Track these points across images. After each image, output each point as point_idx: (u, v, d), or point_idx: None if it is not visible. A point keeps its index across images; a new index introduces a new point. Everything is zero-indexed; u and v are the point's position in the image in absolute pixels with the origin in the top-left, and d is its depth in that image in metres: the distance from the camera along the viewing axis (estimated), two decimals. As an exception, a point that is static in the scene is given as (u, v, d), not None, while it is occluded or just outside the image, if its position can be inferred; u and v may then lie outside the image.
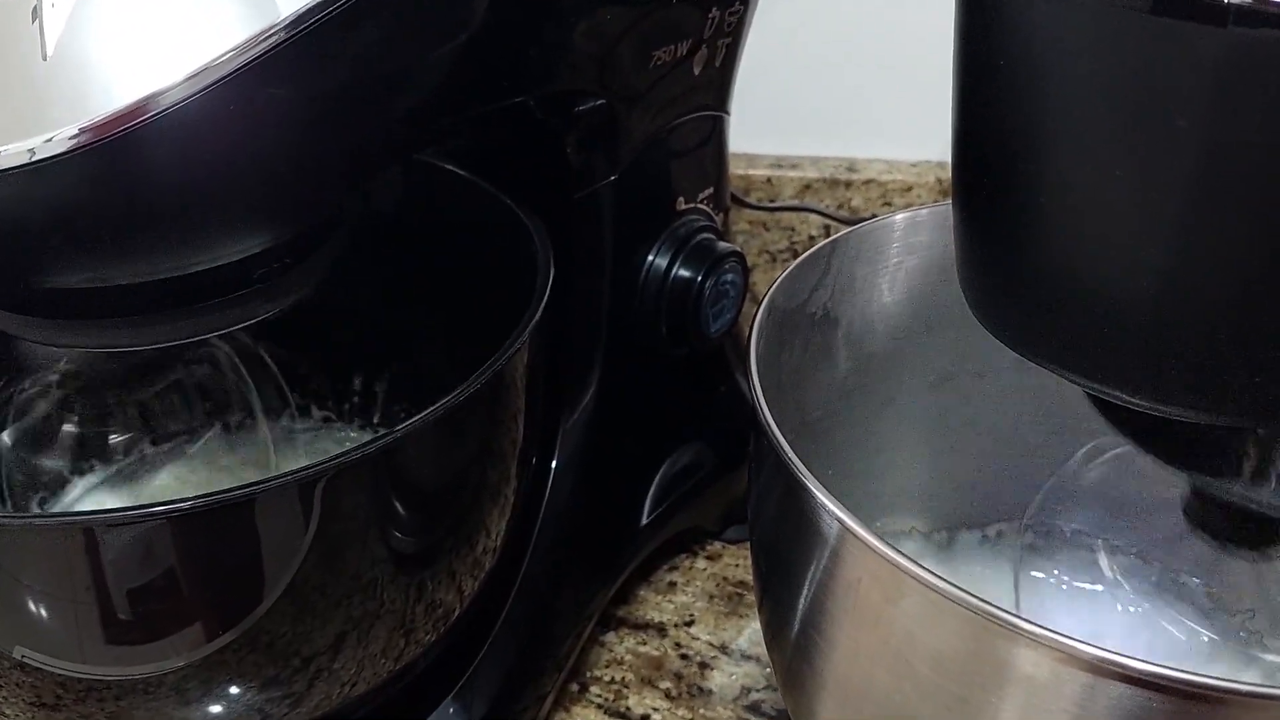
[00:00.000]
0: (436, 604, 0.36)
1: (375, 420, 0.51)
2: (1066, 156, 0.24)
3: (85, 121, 0.27)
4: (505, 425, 0.35)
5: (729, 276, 0.48)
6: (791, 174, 0.70)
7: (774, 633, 0.35)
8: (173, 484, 0.48)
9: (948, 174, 0.70)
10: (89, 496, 0.47)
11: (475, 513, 0.36)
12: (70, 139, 0.27)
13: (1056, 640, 0.23)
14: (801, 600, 0.31)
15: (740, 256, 0.48)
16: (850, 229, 0.38)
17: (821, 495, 0.28)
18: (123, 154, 0.28)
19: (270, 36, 0.28)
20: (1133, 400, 0.25)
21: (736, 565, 0.56)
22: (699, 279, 0.46)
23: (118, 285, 0.30)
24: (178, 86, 0.27)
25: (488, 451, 0.35)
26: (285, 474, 0.30)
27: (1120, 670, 0.23)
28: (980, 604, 0.24)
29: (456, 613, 0.37)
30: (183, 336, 0.32)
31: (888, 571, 0.26)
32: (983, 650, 0.25)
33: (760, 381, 0.32)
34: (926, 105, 0.71)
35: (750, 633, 0.52)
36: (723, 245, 0.48)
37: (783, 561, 0.33)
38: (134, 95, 0.27)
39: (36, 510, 0.46)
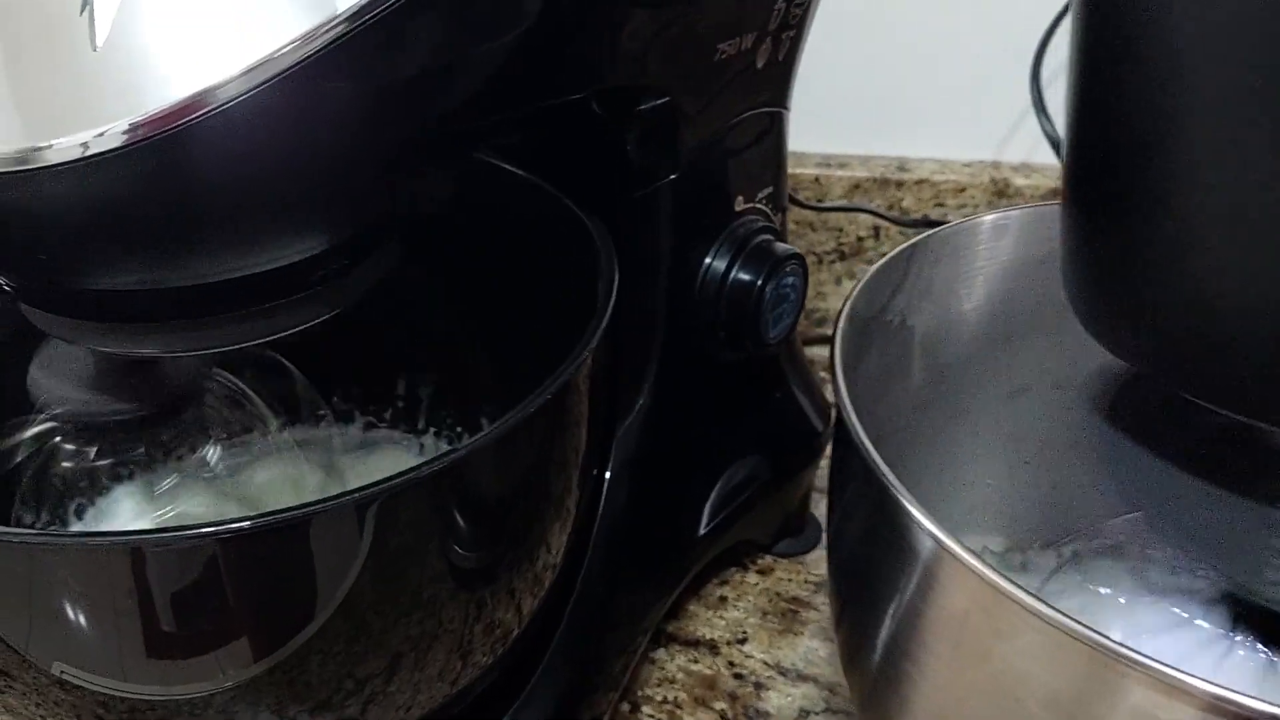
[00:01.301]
0: (495, 624, 0.34)
1: (419, 426, 0.50)
2: (1207, 152, 0.22)
3: (139, 116, 0.25)
4: (570, 435, 0.34)
5: (790, 280, 0.46)
6: (840, 173, 0.68)
7: (854, 655, 0.33)
8: (209, 496, 0.46)
9: (1002, 174, 0.69)
10: (127, 500, 0.46)
11: (537, 527, 0.34)
12: (123, 133, 0.25)
13: (1211, 692, 0.21)
14: (889, 625, 0.29)
15: (800, 259, 0.46)
16: (930, 232, 0.36)
17: (924, 519, 0.26)
18: (178, 150, 0.26)
19: (332, 29, 0.26)
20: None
21: (789, 580, 0.54)
22: (759, 282, 0.44)
23: (171, 288, 0.28)
24: (236, 80, 0.26)
25: (552, 462, 0.33)
26: (342, 495, 0.28)
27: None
28: (1116, 647, 0.22)
29: (515, 633, 0.36)
30: (238, 341, 0.30)
31: (1002, 605, 0.24)
32: (1108, 691, 0.23)
33: (848, 393, 0.30)
34: (981, 103, 0.70)
35: (805, 651, 0.50)
36: (783, 247, 0.46)
37: (868, 583, 0.31)
38: (190, 89, 0.25)
39: (74, 518, 0.44)
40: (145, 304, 0.29)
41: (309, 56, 0.26)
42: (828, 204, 0.66)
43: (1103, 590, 0.44)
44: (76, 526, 0.45)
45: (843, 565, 0.34)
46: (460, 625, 0.34)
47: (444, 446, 0.49)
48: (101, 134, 0.26)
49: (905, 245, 0.36)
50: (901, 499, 0.27)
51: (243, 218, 0.28)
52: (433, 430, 0.50)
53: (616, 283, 0.35)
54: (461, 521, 0.31)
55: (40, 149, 0.26)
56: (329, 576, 0.30)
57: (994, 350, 0.40)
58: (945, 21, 0.66)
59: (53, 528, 0.44)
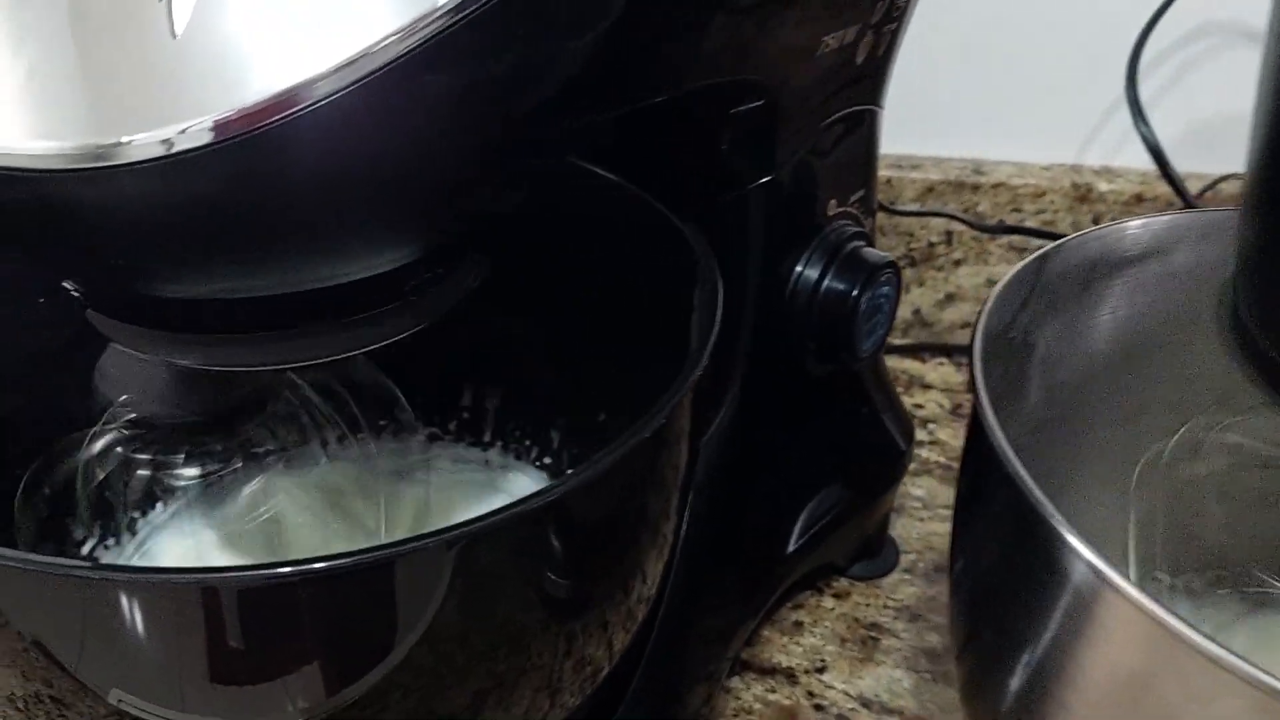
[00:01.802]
0: (585, 660, 0.32)
1: (485, 439, 0.47)
2: None
3: (226, 112, 0.23)
4: (673, 457, 0.31)
5: (885, 289, 0.43)
6: (913, 175, 0.65)
7: (980, 692, 0.31)
8: (285, 503, 0.44)
9: (1084, 179, 0.66)
10: (180, 518, 0.44)
11: (634, 556, 0.31)
12: (208, 131, 0.23)
13: None
14: (1032, 665, 0.27)
15: (895, 267, 0.43)
16: (1062, 240, 0.34)
17: (1097, 560, 0.23)
18: (267, 150, 0.23)
19: (432, 22, 0.24)
20: None
21: (867, 605, 0.51)
22: (854, 292, 0.42)
23: (254, 297, 0.26)
24: (332, 75, 0.23)
25: (652, 487, 0.31)
26: (431, 535, 0.26)
27: None
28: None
29: (605, 671, 0.33)
30: (323, 355, 0.27)
31: (1199, 666, 0.21)
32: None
33: (992, 410, 0.27)
34: (1060, 104, 0.67)
35: (889, 682, 0.47)
36: (877, 254, 0.43)
37: (1008, 621, 0.28)
38: (279, 84, 0.23)
39: (126, 532, 0.42)
40: (225, 314, 0.26)
41: (408, 52, 0.23)
42: (907, 208, 0.63)
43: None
44: (129, 540, 0.43)
45: (972, 594, 0.31)
46: (549, 660, 0.31)
47: (510, 460, 0.47)
48: (185, 130, 0.23)
49: (1032, 258, 0.34)
50: (1067, 535, 0.24)
51: (334, 223, 0.25)
52: (500, 443, 0.47)
53: (721, 296, 0.33)
54: (557, 553, 0.29)
55: (117, 145, 0.24)
56: (412, 611, 0.28)
57: (1115, 369, 0.37)
58: (1022, 16, 0.63)
59: (107, 542, 0.42)
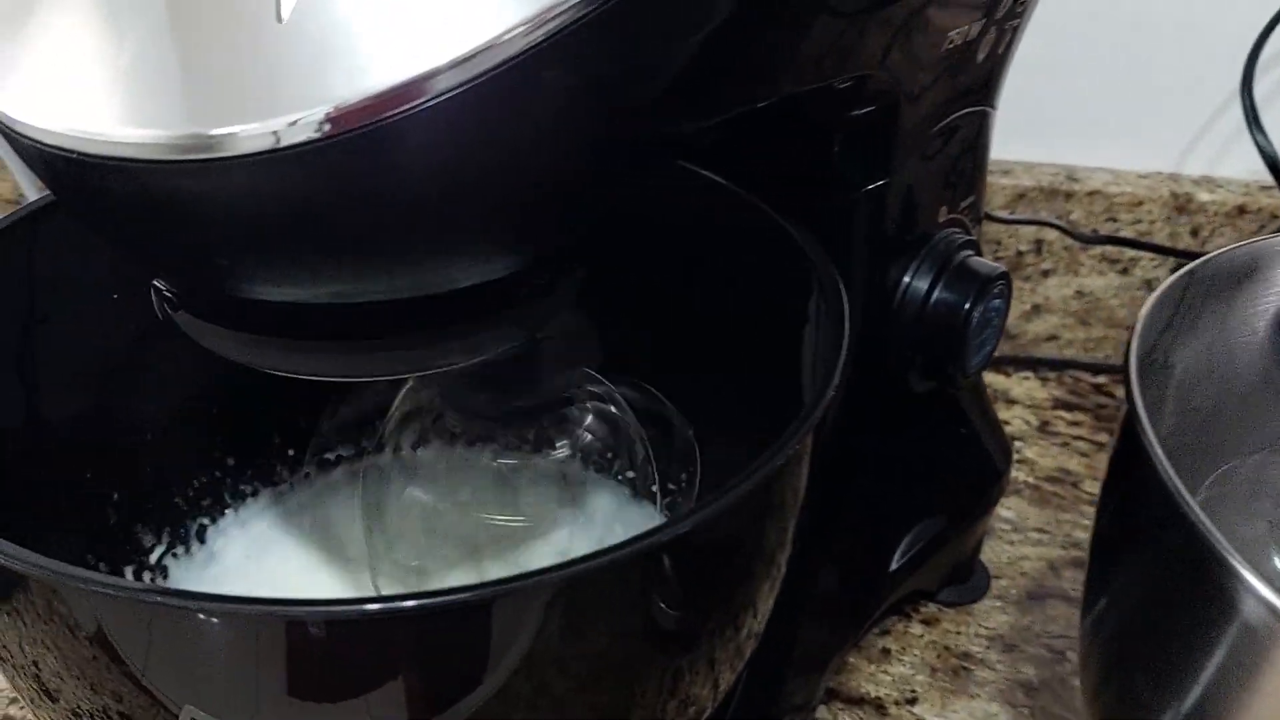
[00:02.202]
0: (690, 700, 0.30)
1: (564, 450, 0.45)
2: None
3: (338, 105, 0.21)
4: (795, 481, 0.29)
5: (996, 303, 0.40)
6: (1004, 181, 0.62)
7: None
8: (338, 512, 0.42)
9: (1183, 188, 0.62)
10: (251, 521, 0.42)
11: (747, 588, 0.29)
12: (319, 124, 0.21)
13: None
14: (1194, 710, 0.25)
15: (1008, 279, 0.41)
16: (1208, 256, 0.31)
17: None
18: (378, 146, 0.21)
19: (560, 14, 0.21)
20: None
21: (957, 633, 0.49)
22: (966, 305, 0.39)
23: (360, 304, 0.24)
24: (452, 69, 0.21)
25: (773, 516, 0.28)
26: (535, 574, 0.24)
27: None
28: None
29: (707, 712, 0.31)
30: (431, 366, 0.25)
31: None
32: None
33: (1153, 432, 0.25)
34: (1159, 110, 0.64)
35: (983, 716, 0.44)
36: (989, 265, 0.40)
37: (1164, 661, 0.26)
38: (396, 76, 0.21)
39: (196, 540, 0.40)
40: (327, 320, 0.24)
41: (533, 47, 0.21)
42: (1005, 215, 0.60)
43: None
44: (197, 547, 0.41)
45: (1119, 632, 0.29)
46: (653, 699, 0.29)
47: (590, 474, 0.45)
48: (293, 123, 0.21)
49: (1179, 275, 0.31)
50: (1245, 574, 0.22)
51: (446, 226, 0.23)
52: (579, 456, 0.45)
53: (848, 309, 0.30)
54: (669, 589, 0.27)
55: (220, 136, 0.22)
56: (509, 647, 0.26)
57: (1254, 396, 0.35)
58: (1122, 14, 0.60)
59: (175, 550, 0.40)
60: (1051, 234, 0.63)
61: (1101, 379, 0.65)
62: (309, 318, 0.24)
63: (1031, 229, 0.63)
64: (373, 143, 0.21)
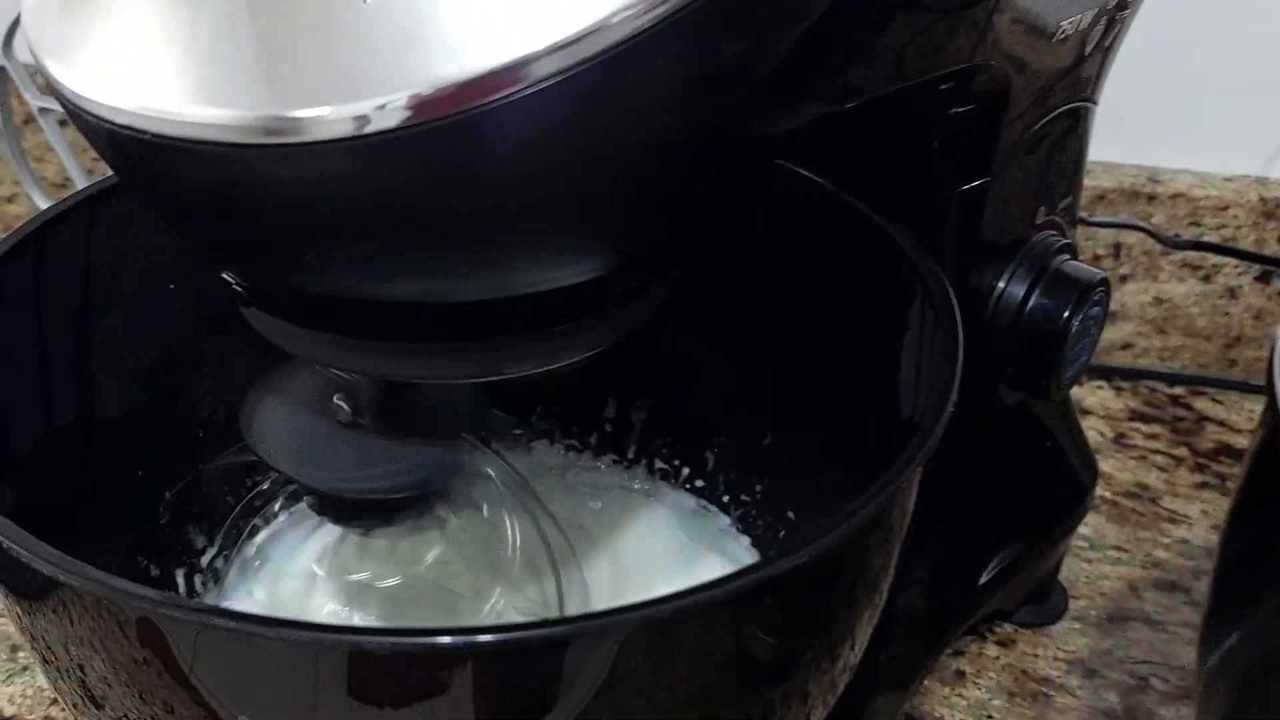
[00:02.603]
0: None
1: (630, 455, 0.43)
2: None
3: (430, 88, 0.19)
4: (904, 504, 0.27)
5: (1095, 310, 0.38)
6: (1084, 181, 0.60)
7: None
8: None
9: (1271, 193, 0.60)
10: (305, 520, 0.40)
11: (847, 619, 0.27)
12: (406, 109, 0.19)
13: None
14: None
15: (1108, 285, 0.38)
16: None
17: None
18: (470, 135, 0.20)
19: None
20: None
21: (1035, 655, 0.46)
22: (1065, 313, 0.37)
23: (448, 304, 0.22)
24: (553, 54, 0.19)
25: (879, 545, 0.26)
26: (621, 612, 0.22)
27: None
28: None
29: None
30: (517, 370, 0.24)
31: None
32: None
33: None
34: (1247, 110, 0.61)
35: (1066, 745, 0.42)
36: (1088, 270, 0.38)
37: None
38: (492, 59, 0.19)
39: (248, 541, 0.39)
40: (409, 320, 0.23)
41: (640, 32, 0.19)
42: (1088, 217, 0.57)
43: None
44: (250, 548, 0.39)
45: (1253, 667, 0.26)
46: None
47: (658, 483, 0.43)
48: (379, 107, 0.19)
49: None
50: None
51: (544, 221, 0.22)
52: (644, 461, 0.43)
53: (959, 319, 0.28)
54: (764, 625, 0.24)
55: (298, 119, 0.20)
56: (586, 683, 0.24)
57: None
58: (1206, 12, 0.57)
59: (227, 552, 0.38)
60: (1131, 238, 0.60)
61: (1178, 390, 0.62)
62: (389, 317, 0.22)
63: (1109, 232, 0.60)
64: (464, 131, 0.19)
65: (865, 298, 0.33)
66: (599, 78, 0.20)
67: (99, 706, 0.27)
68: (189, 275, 0.35)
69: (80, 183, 0.58)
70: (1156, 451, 0.58)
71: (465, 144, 0.20)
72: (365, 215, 0.21)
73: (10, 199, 0.74)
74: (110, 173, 0.32)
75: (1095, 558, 0.51)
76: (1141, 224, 0.57)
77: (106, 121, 0.20)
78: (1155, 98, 0.60)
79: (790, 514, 0.38)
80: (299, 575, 0.39)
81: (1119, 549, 0.52)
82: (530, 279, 0.22)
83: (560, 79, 0.19)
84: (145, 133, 0.20)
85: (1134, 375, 0.62)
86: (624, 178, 0.22)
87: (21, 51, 0.58)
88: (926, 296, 0.29)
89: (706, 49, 0.21)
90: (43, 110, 0.56)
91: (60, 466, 0.32)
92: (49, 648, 0.26)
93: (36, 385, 0.31)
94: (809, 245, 0.35)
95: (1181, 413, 0.60)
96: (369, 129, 0.19)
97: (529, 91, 0.19)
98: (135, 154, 0.21)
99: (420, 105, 0.19)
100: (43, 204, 0.57)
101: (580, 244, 0.22)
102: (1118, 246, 0.61)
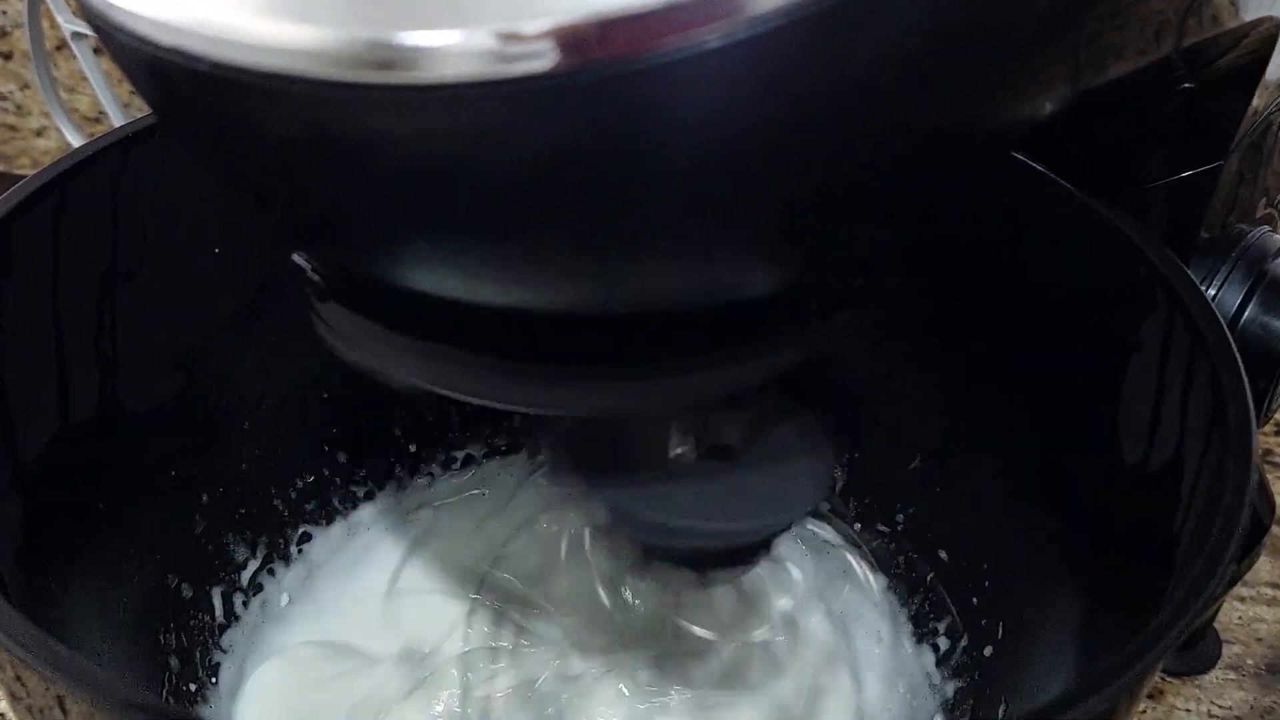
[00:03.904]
0: None
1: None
2: None
3: (599, 14, 0.13)
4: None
5: (1320, 325, 0.31)
6: None
7: None
8: (460, 521, 0.34)
9: None
10: (360, 530, 0.34)
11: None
12: (564, 40, 0.13)
13: None
14: None
15: (1334, 295, 0.32)
16: None
17: None
18: (654, 85, 0.13)
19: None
20: None
21: (1187, 711, 0.40)
22: (1291, 329, 0.30)
23: (596, 315, 0.16)
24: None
25: None
26: None
27: None
28: None
29: None
30: (682, 400, 0.18)
31: None
32: None
33: None
34: None
35: (1230, 824, 0.36)
36: (1315, 277, 0.31)
37: None
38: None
39: (295, 549, 0.33)
40: (548, 333, 0.16)
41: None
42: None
43: None
44: (297, 557, 0.33)
45: None
46: None
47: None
48: (520, 36, 0.13)
49: None
50: None
51: (733, 206, 0.15)
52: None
53: (1234, 345, 0.22)
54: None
55: (406, 48, 0.13)
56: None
57: None
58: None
59: (272, 566, 0.33)
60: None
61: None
62: (512, 327, 0.16)
63: None
64: (641, 80, 0.13)
65: (1077, 302, 0.26)
66: (830, 25, 0.13)
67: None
68: (237, 238, 0.29)
69: (116, 119, 0.53)
70: (1309, 473, 0.51)
71: (640, 96, 0.14)
72: (496, 190, 0.14)
73: (39, 132, 0.69)
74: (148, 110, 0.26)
75: (1249, 596, 0.45)
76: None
77: (147, 43, 0.14)
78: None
79: (942, 554, 0.32)
80: (347, 592, 0.33)
81: (1276, 587, 0.45)
82: (700, 285, 0.16)
83: (777, 25, 0.13)
84: (201, 60, 0.14)
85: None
86: (839, 164, 0.16)
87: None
88: (1179, 313, 0.23)
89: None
90: (76, 35, 0.51)
91: (78, 468, 0.26)
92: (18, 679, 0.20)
93: (52, 369, 0.25)
94: (1003, 233, 0.28)
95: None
96: (505, 67, 0.13)
97: (735, 39, 0.13)
98: (185, 91, 0.15)
99: (579, 37, 0.13)
100: (74, 140, 0.51)
101: (772, 242, 0.16)
102: None
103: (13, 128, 0.67)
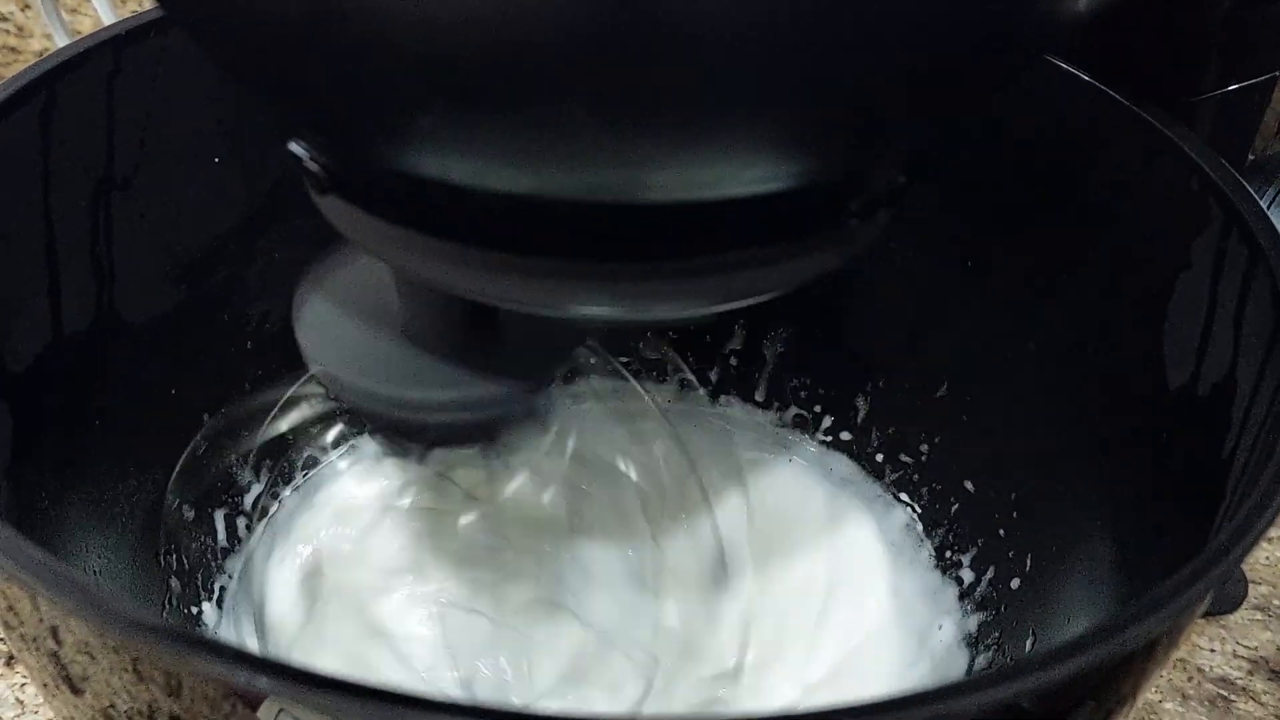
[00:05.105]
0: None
1: (758, 398, 0.36)
2: None
3: None
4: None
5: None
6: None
7: None
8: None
9: None
10: (365, 446, 0.33)
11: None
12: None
13: None
14: None
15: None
16: None
17: None
18: None
19: None
20: None
21: (1211, 651, 0.39)
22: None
23: (628, 205, 0.14)
24: None
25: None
26: None
27: None
28: None
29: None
30: (716, 302, 0.16)
31: None
32: None
33: None
34: None
35: (1253, 766, 0.36)
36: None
37: None
38: None
39: (300, 474, 0.32)
40: (565, 227, 0.15)
41: None
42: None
43: None
44: (302, 480, 0.33)
45: None
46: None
47: (798, 436, 0.35)
48: None
49: None
50: None
51: (793, 90, 0.14)
52: (777, 405, 0.35)
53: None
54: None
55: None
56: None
57: None
58: None
59: (276, 489, 0.32)
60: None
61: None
62: (539, 220, 0.15)
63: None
64: None
65: (1125, 217, 0.25)
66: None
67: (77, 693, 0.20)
68: (242, 143, 0.28)
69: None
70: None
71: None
72: (534, 60, 0.13)
73: (42, 54, 0.67)
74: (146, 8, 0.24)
75: (1275, 536, 0.44)
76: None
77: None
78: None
79: (969, 485, 0.31)
80: (354, 516, 0.32)
81: (1303, 527, 0.44)
82: (750, 173, 0.15)
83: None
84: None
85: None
86: (900, 47, 0.14)
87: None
88: (1231, 223, 0.22)
89: None
90: (74, -52, 0.49)
91: (72, 382, 0.25)
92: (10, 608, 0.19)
93: (42, 280, 0.24)
94: (1047, 144, 0.27)
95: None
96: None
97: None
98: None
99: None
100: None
101: (823, 132, 0.15)
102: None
103: (14, 49, 0.65)
